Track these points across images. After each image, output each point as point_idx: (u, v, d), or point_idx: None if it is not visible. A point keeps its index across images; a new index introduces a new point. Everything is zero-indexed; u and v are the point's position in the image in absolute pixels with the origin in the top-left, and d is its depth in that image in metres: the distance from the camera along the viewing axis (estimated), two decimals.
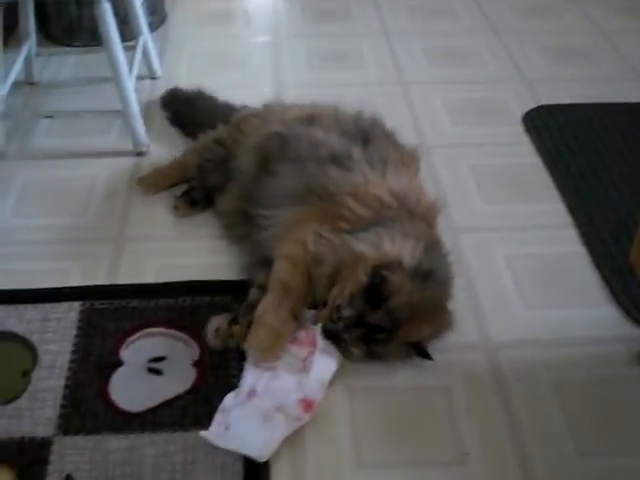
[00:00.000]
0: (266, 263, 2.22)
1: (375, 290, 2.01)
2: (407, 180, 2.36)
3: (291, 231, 2.23)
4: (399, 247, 2.09)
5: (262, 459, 1.88)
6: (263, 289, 2.16)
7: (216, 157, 2.65)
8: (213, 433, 1.91)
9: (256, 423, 1.92)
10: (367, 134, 2.49)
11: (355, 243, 2.10)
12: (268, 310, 2.08)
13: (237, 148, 2.60)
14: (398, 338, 2.04)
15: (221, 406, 1.97)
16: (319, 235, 2.17)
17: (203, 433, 1.91)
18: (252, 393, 1.97)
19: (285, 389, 1.99)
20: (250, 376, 2.02)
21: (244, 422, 1.92)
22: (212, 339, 2.18)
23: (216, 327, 2.18)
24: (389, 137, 2.57)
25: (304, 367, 2.06)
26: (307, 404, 1.97)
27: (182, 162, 2.81)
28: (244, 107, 2.95)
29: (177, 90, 3.22)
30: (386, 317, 2.01)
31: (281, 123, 2.59)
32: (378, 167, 2.34)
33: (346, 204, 2.21)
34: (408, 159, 2.48)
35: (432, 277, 2.09)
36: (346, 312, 2.03)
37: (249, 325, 2.10)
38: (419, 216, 2.25)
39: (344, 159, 2.35)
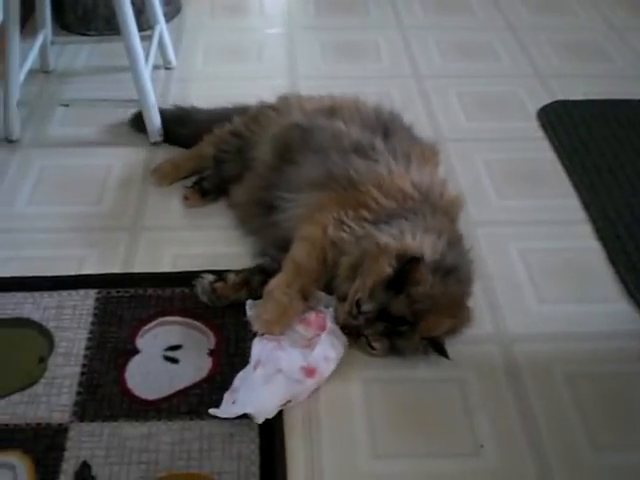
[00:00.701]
0: (282, 245, 2.23)
1: (399, 278, 2.01)
2: (430, 174, 2.37)
3: (312, 214, 2.23)
4: (420, 241, 2.09)
5: (260, 417, 1.92)
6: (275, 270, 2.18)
7: (232, 148, 2.65)
8: (221, 410, 1.94)
9: (257, 385, 1.94)
10: (387, 127, 2.50)
11: (378, 235, 2.10)
12: (278, 286, 2.11)
13: (254, 139, 2.61)
14: (419, 331, 2.04)
15: (233, 385, 2.00)
16: (340, 221, 2.17)
17: (212, 410, 1.94)
18: (257, 364, 1.99)
19: (288, 358, 2.00)
20: (256, 349, 2.04)
21: (248, 389, 1.95)
22: (200, 294, 2.25)
23: (203, 284, 2.23)
24: (408, 131, 2.58)
25: (309, 345, 2.07)
26: (309, 370, 1.99)
27: (197, 153, 2.81)
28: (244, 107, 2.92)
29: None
30: (408, 307, 2.01)
31: (302, 114, 2.60)
32: (401, 159, 2.35)
33: (370, 193, 2.22)
34: (429, 153, 2.49)
35: (454, 274, 2.10)
36: (367, 306, 2.04)
37: (263, 283, 2.15)
38: (442, 210, 2.26)
39: (367, 150, 2.36)
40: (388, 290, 2.02)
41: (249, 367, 2.02)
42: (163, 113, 3.00)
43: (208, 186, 2.67)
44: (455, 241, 2.21)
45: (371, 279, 2.04)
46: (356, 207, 2.20)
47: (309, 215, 2.25)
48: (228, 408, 1.94)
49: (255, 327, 2.09)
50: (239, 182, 2.58)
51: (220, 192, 2.68)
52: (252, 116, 2.72)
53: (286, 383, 1.96)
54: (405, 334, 2.05)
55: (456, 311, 2.11)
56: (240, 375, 2.03)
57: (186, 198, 2.68)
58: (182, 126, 2.98)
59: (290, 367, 1.98)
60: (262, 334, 2.07)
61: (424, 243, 2.09)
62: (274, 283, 2.13)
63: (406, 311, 2.02)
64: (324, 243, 2.16)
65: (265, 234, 2.42)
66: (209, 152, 2.72)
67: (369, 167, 2.30)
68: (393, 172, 2.29)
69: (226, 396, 1.98)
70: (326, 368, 2.04)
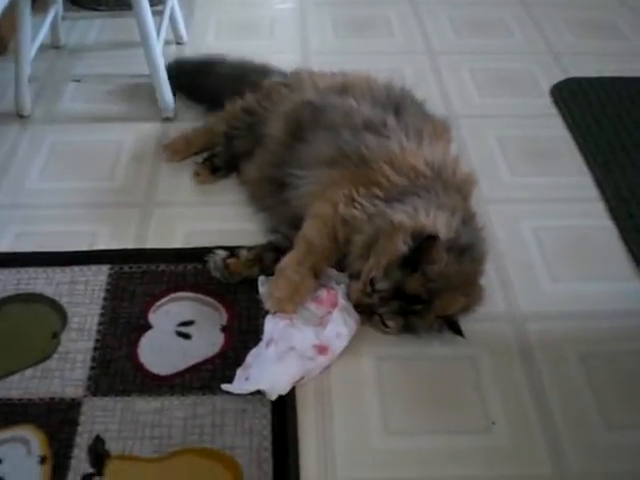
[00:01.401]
0: (293, 223, 2.24)
1: (414, 256, 2.01)
2: (442, 151, 2.36)
3: (324, 191, 2.23)
4: (434, 219, 2.08)
5: (274, 394, 1.93)
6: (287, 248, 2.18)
7: (243, 125, 2.64)
8: (233, 386, 1.95)
9: (270, 362, 1.95)
10: (399, 104, 2.48)
11: (392, 213, 2.10)
12: (290, 264, 2.12)
13: (266, 115, 2.59)
14: (434, 309, 2.04)
15: (246, 362, 2.01)
16: (351, 198, 2.17)
17: (224, 386, 1.95)
18: (270, 342, 2.00)
19: (301, 336, 2.01)
20: (269, 327, 2.05)
21: (260, 366, 1.95)
22: (212, 270, 2.25)
23: (215, 260, 2.23)
24: (420, 107, 2.56)
25: (321, 323, 2.08)
26: (321, 348, 2.01)
27: (208, 129, 2.80)
28: (264, 67, 2.94)
29: (181, 61, 3.17)
30: (423, 286, 2.01)
31: (314, 92, 2.59)
32: (414, 136, 2.34)
33: (382, 170, 2.21)
34: (440, 130, 2.48)
35: (468, 252, 2.10)
36: (382, 285, 2.04)
37: (275, 260, 2.16)
38: (454, 188, 2.25)
39: (378, 126, 2.35)
40: (403, 268, 2.02)
41: (262, 344, 2.03)
42: (185, 64, 3.05)
43: (219, 162, 2.67)
44: (468, 219, 2.21)
45: (386, 257, 2.04)
46: (368, 184, 2.19)
47: (320, 192, 2.24)
48: (241, 384, 1.95)
49: (267, 305, 2.09)
50: (250, 159, 2.58)
51: (231, 168, 2.68)
52: (264, 92, 2.70)
53: (298, 360, 1.97)
54: (420, 312, 2.05)
55: (470, 289, 2.11)
56: (253, 352, 2.03)
57: (197, 174, 2.68)
58: (201, 79, 2.99)
59: (302, 345, 1.99)
60: (274, 312, 2.07)
61: (438, 221, 2.08)
62: (286, 261, 2.13)
63: (421, 289, 2.02)
64: (335, 220, 2.16)
65: (276, 211, 2.42)
66: (221, 128, 2.71)
67: (381, 144, 2.29)
68: (405, 149, 2.28)
69: (239, 372, 1.99)
70: (338, 345, 2.04)
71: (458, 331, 2.07)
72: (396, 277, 2.02)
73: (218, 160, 2.67)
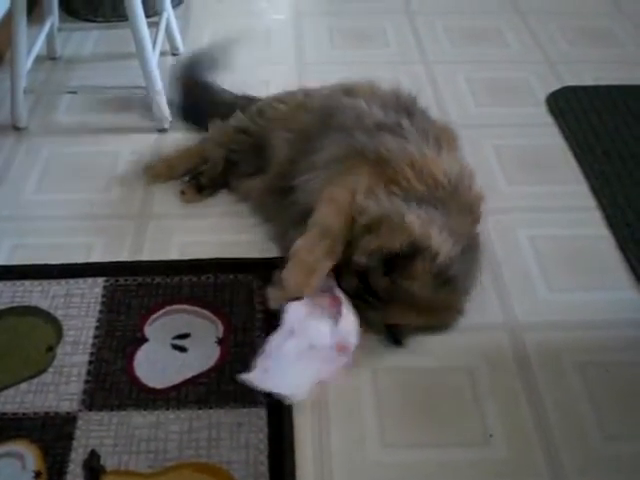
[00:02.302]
0: (302, 220, 2.19)
1: (398, 261, 2.00)
2: (459, 163, 2.34)
3: (339, 178, 2.20)
4: (442, 241, 2.06)
5: (295, 399, 1.93)
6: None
7: (243, 147, 2.62)
8: (253, 376, 1.93)
9: (291, 361, 1.94)
10: (409, 108, 2.47)
11: (406, 210, 2.07)
12: (303, 247, 2.08)
13: (265, 133, 2.57)
14: (384, 313, 2.05)
15: (265, 351, 1.97)
16: (370, 190, 2.14)
17: (243, 376, 1.93)
18: (291, 333, 1.98)
19: (320, 330, 2.00)
20: (290, 316, 2.02)
21: (280, 361, 1.94)
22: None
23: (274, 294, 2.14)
24: (427, 114, 2.55)
25: (335, 315, 2.05)
26: (341, 347, 2.00)
27: (196, 154, 2.76)
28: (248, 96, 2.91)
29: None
30: (385, 289, 2.01)
31: (317, 99, 2.59)
32: (432, 143, 2.32)
33: (403, 172, 2.17)
34: (452, 138, 2.45)
35: (452, 284, 2.07)
36: (358, 260, 2.04)
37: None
38: (468, 207, 2.23)
39: (394, 127, 2.33)
40: (382, 263, 2.01)
41: (282, 332, 1.99)
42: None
43: (204, 181, 2.65)
44: (470, 247, 2.18)
45: (377, 243, 2.03)
46: (387, 181, 2.16)
47: (335, 179, 2.21)
48: (261, 375, 1.93)
49: (283, 289, 2.06)
50: (251, 175, 2.58)
51: (216, 186, 2.67)
52: (257, 110, 2.67)
53: (320, 362, 1.97)
54: (371, 306, 2.05)
55: (435, 314, 2.10)
56: (272, 341, 1.99)
57: (183, 193, 2.66)
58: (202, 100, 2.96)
59: (322, 343, 1.98)
60: (293, 298, 2.04)
61: (444, 244, 2.05)
62: (299, 244, 2.10)
63: (381, 290, 2.02)
64: (351, 207, 2.13)
65: (283, 217, 2.39)
66: (218, 153, 2.66)
67: (400, 145, 2.26)
68: (426, 155, 2.24)
69: (258, 361, 1.96)
70: (353, 343, 2.02)
71: (397, 342, 2.08)
72: (372, 265, 2.01)
73: (204, 179, 2.65)
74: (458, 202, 2.20)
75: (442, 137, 2.38)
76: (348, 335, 2.01)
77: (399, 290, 2.01)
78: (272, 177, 2.48)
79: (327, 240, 2.09)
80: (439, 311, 2.10)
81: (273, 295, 2.10)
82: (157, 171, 2.75)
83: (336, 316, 2.05)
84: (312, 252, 2.07)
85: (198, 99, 2.96)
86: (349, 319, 2.03)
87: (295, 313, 2.02)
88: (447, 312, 2.12)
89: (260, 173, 2.56)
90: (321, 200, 2.17)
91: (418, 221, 2.05)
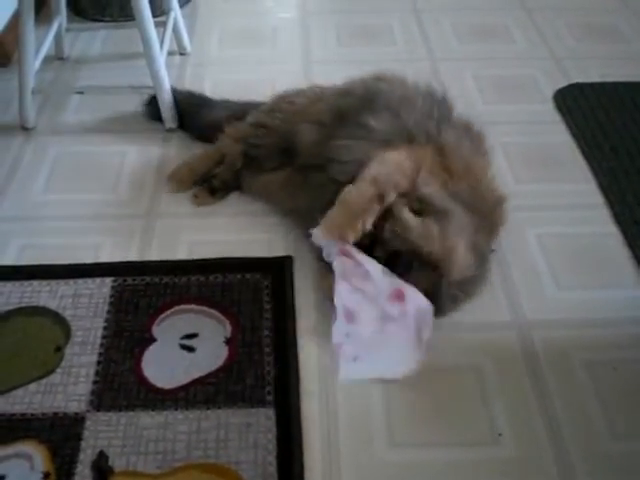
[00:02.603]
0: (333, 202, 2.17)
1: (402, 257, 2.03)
2: (493, 176, 2.35)
3: (399, 147, 2.20)
4: (463, 261, 2.08)
5: (399, 374, 1.99)
6: None
7: (264, 142, 2.60)
8: (345, 372, 1.97)
9: (377, 343, 1.97)
10: (446, 106, 2.49)
11: (452, 225, 2.09)
12: (351, 192, 2.08)
13: (289, 127, 2.55)
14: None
15: (336, 342, 2.01)
16: (432, 172, 2.16)
17: (342, 376, 1.99)
18: (349, 315, 2.00)
19: (374, 291, 2.01)
20: (339, 301, 2.02)
21: (367, 347, 1.97)
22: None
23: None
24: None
25: (364, 274, 2.05)
26: (397, 294, 2.00)
27: (216, 154, 2.74)
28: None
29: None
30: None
31: (351, 84, 2.58)
32: (480, 149, 2.38)
33: (459, 170, 2.20)
34: (484, 144, 2.47)
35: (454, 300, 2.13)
36: (387, 234, 2.06)
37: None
38: (494, 226, 2.27)
39: (443, 121, 2.35)
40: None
41: (341, 318, 2.01)
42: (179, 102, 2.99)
43: (217, 183, 2.65)
44: (482, 262, 2.21)
45: (402, 231, 2.05)
46: (444, 171, 2.18)
47: (395, 147, 2.21)
48: (353, 366, 1.98)
49: (323, 233, 2.05)
50: (274, 170, 2.58)
51: (229, 189, 2.67)
52: (273, 107, 2.68)
53: (397, 327, 1.98)
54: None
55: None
56: (338, 331, 2.02)
57: (195, 196, 2.66)
58: (196, 118, 2.95)
59: (382, 301, 2.00)
60: (332, 238, 2.04)
61: (463, 264, 2.08)
62: (347, 190, 2.09)
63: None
64: (413, 170, 2.14)
65: (311, 199, 2.35)
66: (235, 150, 2.66)
67: (457, 141, 2.28)
68: (476, 161, 2.28)
69: (342, 356, 1.99)
70: (403, 286, 2.02)
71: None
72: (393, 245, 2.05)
73: (216, 182, 2.65)
74: (491, 220, 2.24)
75: (479, 141, 2.41)
76: (396, 280, 2.02)
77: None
78: (300, 159, 2.47)
79: (375, 188, 2.08)
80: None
81: (317, 232, 2.07)
82: (181, 176, 2.73)
83: (366, 274, 2.04)
84: (360, 197, 2.06)
85: (198, 115, 2.95)
86: (378, 267, 2.03)
87: (342, 294, 2.02)
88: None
89: (284, 167, 2.55)
90: (375, 158, 2.16)
91: (459, 243, 2.08)
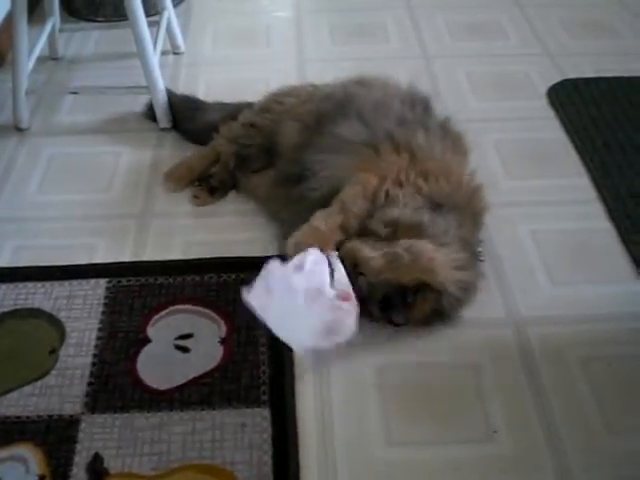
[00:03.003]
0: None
1: (393, 301, 2.05)
2: (472, 172, 2.38)
3: (367, 163, 2.23)
4: (452, 274, 2.09)
5: (295, 347, 1.97)
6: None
7: (254, 142, 2.62)
8: (254, 296, 1.96)
9: (299, 303, 1.94)
10: (426, 107, 2.51)
11: (427, 244, 2.09)
12: (320, 216, 2.13)
13: (273, 126, 2.59)
14: None
15: (263, 272, 2.00)
16: (399, 180, 2.18)
17: (246, 295, 1.96)
18: (300, 268, 1.98)
19: (326, 276, 2.00)
20: (305, 256, 2.01)
21: (285, 299, 1.95)
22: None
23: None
24: (440, 115, 2.56)
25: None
26: (345, 295, 1.99)
27: (210, 152, 2.75)
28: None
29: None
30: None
31: (329, 88, 2.61)
32: (454, 146, 2.37)
33: (433, 170, 2.22)
34: (464, 142, 2.50)
35: (447, 315, 2.15)
36: (362, 283, 2.04)
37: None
38: (477, 215, 2.30)
39: (418, 124, 2.36)
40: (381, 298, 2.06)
41: (290, 265, 2.00)
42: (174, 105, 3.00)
43: (215, 183, 2.66)
44: (474, 257, 2.23)
45: (385, 273, 2.04)
46: (416, 175, 2.19)
47: (363, 164, 2.23)
48: (263, 296, 1.96)
49: (289, 250, 2.08)
50: (260, 170, 2.60)
51: (227, 187, 2.68)
52: (263, 107, 2.70)
53: (330, 306, 1.96)
54: None
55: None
56: (276, 269, 2.00)
57: (196, 197, 2.65)
58: (191, 122, 2.95)
59: (328, 289, 1.98)
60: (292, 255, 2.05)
61: (453, 278, 2.09)
62: (317, 214, 2.14)
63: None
64: (378, 190, 2.16)
65: (292, 210, 2.38)
66: (229, 149, 2.67)
67: (429, 142, 2.30)
68: (452, 158, 2.30)
69: (257, 282, 1.98)
70: (351, 292, 2.02)
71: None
72: (377, 293, 2.06)
73: (214, 180, 2.65)
74: (472, 210, 2.26)
75: (458, 141, 2.42)
76: (346, 285, 2.01)
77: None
78: (281, 166, 2.49)
79: (343, 215, 2.12)
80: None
81: (283, 244, 2.15)
82: (178, 175, 2.74)
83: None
84: (327, 222, 2.10)
85: (193, 119, 2.95)
86: (342, 271, 2.03)
87: (312, 256, 2.02)
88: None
89: (269, 167, 2.58)
90: (349, 183, 2.19)
91: (441, 257, 2.08)
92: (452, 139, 2.40)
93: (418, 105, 2.48)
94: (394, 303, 2.04)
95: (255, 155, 2.62)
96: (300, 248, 2.04)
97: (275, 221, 2.52)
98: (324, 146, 2.35)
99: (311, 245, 2.04)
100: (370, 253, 2.06)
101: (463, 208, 2.21)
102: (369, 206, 2.16)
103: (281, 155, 2.52)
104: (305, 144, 2.43)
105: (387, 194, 2.15)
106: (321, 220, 2.12)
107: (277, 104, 2.66)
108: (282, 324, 1.94)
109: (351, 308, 1.99)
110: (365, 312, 2.06)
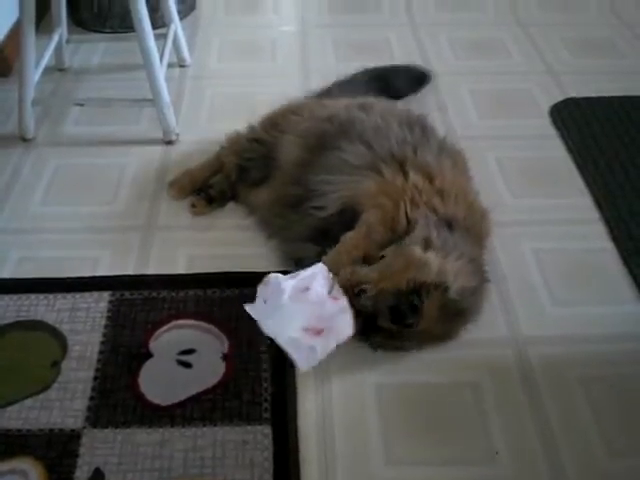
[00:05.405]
0: (322, 234, 2.22)
1: (401, 307, 2.03)
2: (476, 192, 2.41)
3: (382, 187, 2.23)
4: (456, 273, 2.09)
5: (277, 341, 1.96)
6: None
7: (256, 155, 2.63)
8: (252, 306, 1.98)
9: (283, 299, 1.95)
10: (424, 128, 2.52)
11: (437, 248, 2.10)
12: (351, 241, 2.14)
13: (276, 142, 2.59)
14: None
15: (269, 282, 2.00)
16: (415, 201, 2.18)
17: (247, 306, 1.98)
18: (294, 276, 2.00)
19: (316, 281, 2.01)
20: (309, 270, 2.03)
21: (275, 298, 1.96)
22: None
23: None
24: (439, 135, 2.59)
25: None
26: (335, 296, 2.00)
27: (215, 163, 2.77)
28: None
29: None
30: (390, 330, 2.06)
31: (332, 110, 2.61)
32: (462, 169, 2.41)
33: (445, 190, 2.23)
34: (464, 162, 2.52)
35: (460, 317, 2.14)
36: (365, 301, 2.03)
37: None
38: (482, 238, 2.31)
39: (420, 145, 2.38)
40: (389, 309, 2.04)
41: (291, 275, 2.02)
42: None
43: (214, 193, 2.67)
44: (482, 278, 2.23)
45: (385, 283, 2.04)
46: (430, 196, 2.20)
47: (377, 188, 2.23)
48: (258, 307, 1.98)
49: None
50: (260, 185, 2.60)
51: (225, 199, 2.69)
52: (271, 122, 2.70)
53: (310, 303, 1.97)
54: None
55: (429, 340, 2.16)
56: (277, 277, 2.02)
57: (193, 206, 2.66)
58: None
59: (318, 289, 1.99)
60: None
61: (458, 276, 2.09)
62: (348, 236, 2.15)
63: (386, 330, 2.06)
64: (396, 215, 2.16)
65: (293, 230, 2.37)
66: (232, 161, 2.68)
67: (440, 163, 2.32)
68: (464, 181, 2.35)
69: (259, 291, 2.00)
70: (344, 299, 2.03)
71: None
72: (379, 307, 2.03)
73: (213, 191, 2.67)
74: (480, 233, 2.27)
75: (458, 160, 2.44)
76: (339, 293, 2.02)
77: (405, 332, 2.05)
78: (281, 182, 2.49)
79: (368, 242, 2.13)
80: (437, 337, 2.14)
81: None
82: (181, 184, 2.74)
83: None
84: (356, 248, 2.11)
85: None
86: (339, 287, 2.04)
87: (315, 270, 2.03)
88: (443, 338, 2.16)
89: (268, 180, 2.57)
90: (369, 206, 2.20)
91: (424, 254, 2.07)
92: (455, 159, 2.41)
93: (417, 127, 2.49)
94: (403, 310, 2.02)
95: (256, 168, 2.63)
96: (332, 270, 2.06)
97: (273, 236, 2.51)
98: (327, 166, 2.36)
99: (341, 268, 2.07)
100: (363, 271, 2.07)
101: (472, 230, 2.22)
102: (389, 234, 2.16)
103: (281, 170, 2.52)
104: (306, 162, 2.44)
105: (407, 218, 2.16)
106: (352, 245, 2.13)
107: (284, 119, 2.67)
108: (270, 319, 1.95)
109: (343, 306, 1.99)
110: (381, 332, 2.07)
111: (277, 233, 2.48)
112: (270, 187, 2.55)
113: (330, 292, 2.00)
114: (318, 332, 1.96)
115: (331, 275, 2.04)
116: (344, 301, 1.99)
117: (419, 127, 2.49)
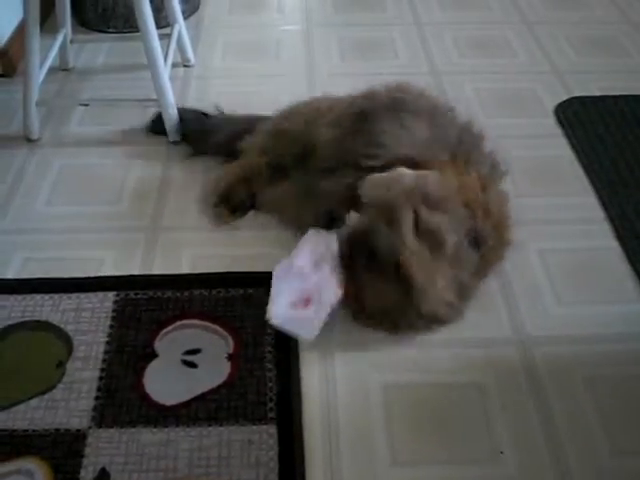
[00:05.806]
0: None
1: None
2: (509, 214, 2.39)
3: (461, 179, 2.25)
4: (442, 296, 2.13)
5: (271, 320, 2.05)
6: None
7: (286, 148, 2.59)
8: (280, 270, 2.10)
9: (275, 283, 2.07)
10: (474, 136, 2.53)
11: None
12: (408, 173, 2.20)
13: (309, 128, 2.56)
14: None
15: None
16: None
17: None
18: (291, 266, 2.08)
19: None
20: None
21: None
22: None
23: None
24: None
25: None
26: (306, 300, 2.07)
27: (241, 171, 2.69)
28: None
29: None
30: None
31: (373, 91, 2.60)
32: (506, 197, 2.42)
33: (492, 212, 2.26)
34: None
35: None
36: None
37: None
38: (490, 263, 2.32)
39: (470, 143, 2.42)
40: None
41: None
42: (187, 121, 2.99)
43: (237, 203, 2.63)
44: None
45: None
46: (479, 205, 2.23)
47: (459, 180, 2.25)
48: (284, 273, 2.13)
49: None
50: (284, 179, 2.58)
51: (246, 207, 2.65)
52: (290, 111, 2.70)
53: (297, 278, 2.06)
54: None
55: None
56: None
57: (218, 216, 2.62)
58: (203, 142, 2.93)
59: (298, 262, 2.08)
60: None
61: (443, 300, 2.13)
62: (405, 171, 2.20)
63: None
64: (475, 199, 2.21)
65: (326, 199, 2.34)
66: (260, 162, 2.64)
67: (493, 178, 2.36)
68: (506, 210, 2.37)
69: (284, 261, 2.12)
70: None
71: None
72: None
73: (235, 200, 2.62)
74: (490, 261, 2.29)
75: (499, 168, 2.46)
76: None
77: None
78: (314, 164, 2.47)
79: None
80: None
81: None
82: (225, 214, 2.65)
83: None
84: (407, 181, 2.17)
85: (205, 140, 2.93)
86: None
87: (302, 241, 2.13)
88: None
89: (299, 172, 2.54)
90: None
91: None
92: (494, 166, 2.45)
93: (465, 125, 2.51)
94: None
95: (288, 161, 2.59)
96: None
97: (297, 228, 2.46)
98: (382, 128, 2.36)
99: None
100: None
101: (487, 258, 2.24)
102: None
103: (318, 154, 2.48)
104: (346, 139, 2.41)
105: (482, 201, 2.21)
106: (408, 176, 2.17)
107: (306, 107, 2.66)
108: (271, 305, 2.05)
109: (325, 270, 2.06)
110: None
111: (305, 220, 2.40)
112: (299, 173, 2.53)
113: (318, 259, 2.05)
114: (306, 303, 2.02)
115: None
116: (326, 265, 2.05)
117: (468, 133, 2.50)
